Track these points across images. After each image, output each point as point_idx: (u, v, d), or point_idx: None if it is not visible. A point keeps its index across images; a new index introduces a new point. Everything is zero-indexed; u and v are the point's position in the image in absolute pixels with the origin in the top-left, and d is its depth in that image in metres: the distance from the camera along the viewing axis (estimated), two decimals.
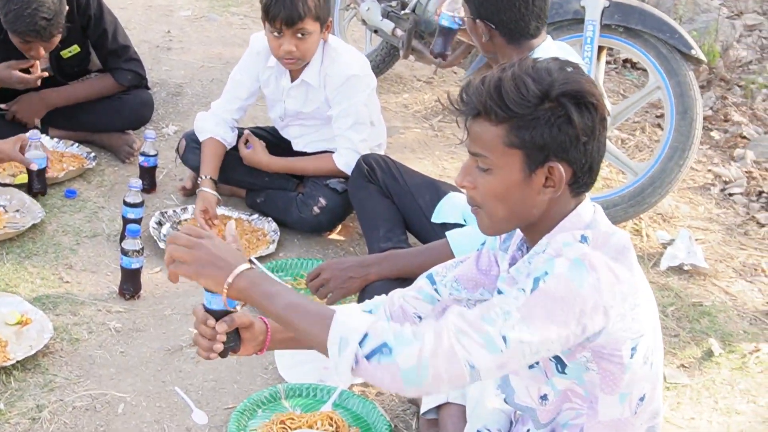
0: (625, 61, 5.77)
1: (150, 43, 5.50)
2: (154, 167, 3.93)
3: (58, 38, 3.84)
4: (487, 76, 1.81)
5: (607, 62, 5.67)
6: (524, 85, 1.76)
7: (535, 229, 1.87)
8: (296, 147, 3.86)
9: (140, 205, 3.41)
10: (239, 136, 3.81)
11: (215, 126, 3.76)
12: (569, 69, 1.80)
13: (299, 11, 3.42)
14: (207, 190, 3.63)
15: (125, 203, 3.41)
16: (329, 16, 3.59)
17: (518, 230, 1.95)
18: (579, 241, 1.79)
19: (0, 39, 3.90)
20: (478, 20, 2.85)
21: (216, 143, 3.73)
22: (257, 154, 3.76)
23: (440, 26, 3.91)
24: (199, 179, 3.68)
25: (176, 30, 5.85)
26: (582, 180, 1.82)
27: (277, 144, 3.87)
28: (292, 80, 3.67)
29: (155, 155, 3.90)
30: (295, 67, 3.59)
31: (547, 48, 2.87)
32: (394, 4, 4.70)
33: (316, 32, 3.50)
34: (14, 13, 3.68)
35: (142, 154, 3.89)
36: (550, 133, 1.76)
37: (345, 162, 3.65)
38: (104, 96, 4.21)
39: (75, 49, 4.14)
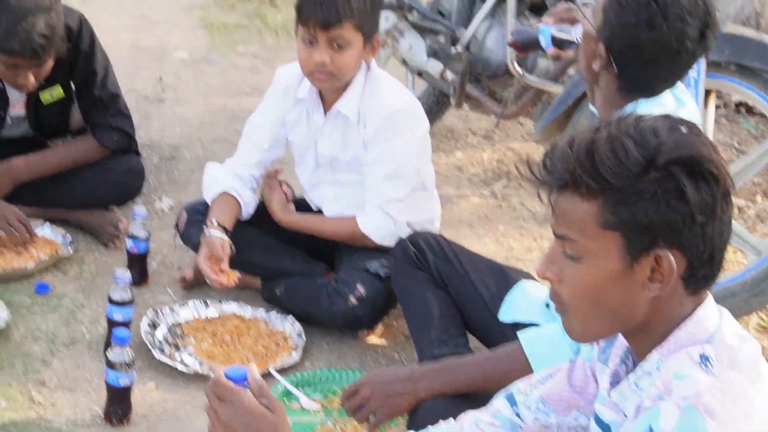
0: (739, 105, 5.78)
1: (138, 94, 5.60)
2: (146, 253, 3.98)
3: (50, 64, 3.93)
4: (576, 138, 1.79)
5: (717, 107, 5.67)
6: (624, 150, 1.74)
7: (642, 338, 1.84)
8: (328, 214, 3.89)
9: (129, 303, 3.45)
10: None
11: (231, 180, 3.80)
12: (682, 129, 1.78)
13: (338, 12, 3.48)
14: (215, 233, 3.65)
15: (110, 301, 3.45)
16: (376, 32, 3.65)
17: (620, 336, 1.93)
18: (698, 364, 1.75)
19: None
20: (602, 44, 2.86)
21: (230, 200, 3.77)
22: (273, 202, 3.82)
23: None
24: (205, 227, 3.69)
25: (170, 76, 5.95)
26: (700, 273, 1.79)
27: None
28: (326, 112, 3.73)
29: (146, 238, 3.95)
30: (328, 86, 3.64)
31: (657, 98, 2.89)
32: (442, 40, 4.77)
33: (356, 45, 3.56)
34: (5, 26, 3.76)
35: (130, 236, 3.94)
36: (656, 211, 1.73)
37: (372, 225, 3.68)
38: (83, 164, 4.28)
39: (58, 92, 4.23)
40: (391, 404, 2.86)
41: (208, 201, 3.81)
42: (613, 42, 2.83)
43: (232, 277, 3.60)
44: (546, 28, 3.76)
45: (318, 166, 3.84)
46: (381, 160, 3.65)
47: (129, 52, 6.26)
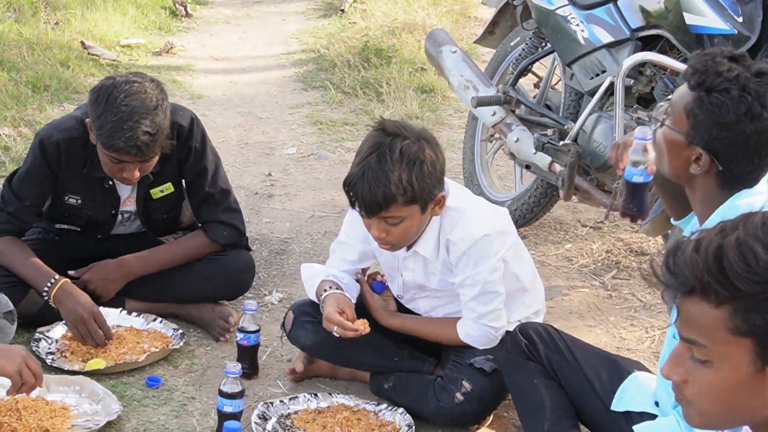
0: None
1: (247, 190, 5.74)
2: (256, 346, 4.04)
3: (155, 160, 4.06)
4: (702, 242, 1.76)
5: None
6: (753, 255, 1.71)
7: None
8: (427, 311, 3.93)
9: (240, 395, 3.51)
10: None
11: (328, 270, 3.88)
12: None
13: (378, 200, 3.43)
14: (335, 291, 3.73)
15: (221, 393, 3.51)
16: (438, 190, 3.55)
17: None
18: None
19: (84, 162, 4.14)
20: (697, 147, 2.86)
21: (332, 282, 3.83)
22: (374, 310, 3.87)
23: (627, 182, 3.79)
24: (324, 291, 3.76)
25: (279, 172, 6.09)
26: None
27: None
28: (408, 249, 3.75)
29: (257, 331, 4.01)
30: (395, 250, 3.69)
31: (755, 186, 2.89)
32: (550, 133, 4.81)
33: (414, 215, 3.52)
34: (112, 125, 3.87)
35: (241, 330, 4.00)
36: None
37: (467, 333, 3.72)
38: (194, 259, 4.39)
39: (168, 188, 4.35)
40: None
41: (312, 296, 3.87)
42: (714, 143, 2.81)
43: (365, 324, 3.67)
44: (630, 170, 3.67)
45: (406, 290, 3.90)
46: (468, 284, 3.67)
47: (238, 149, 6.44)
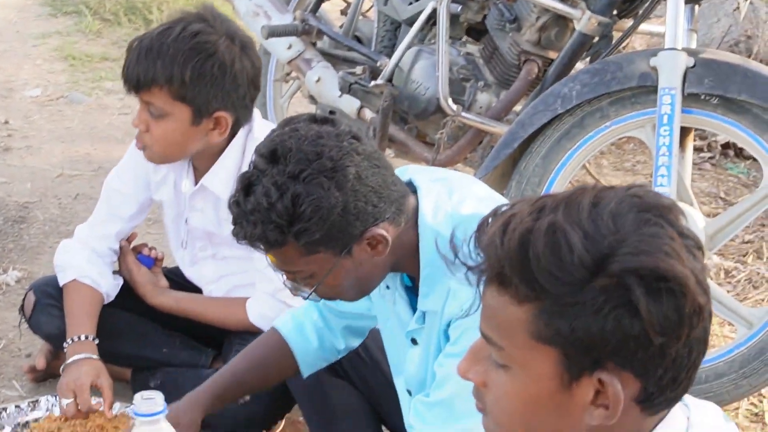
0: (727, 147, 5.89)
1: None
2: None
3: None
4: (513, 219, 1.72)
5: (698, 150, 5.77)
6: (567, 246, 1.67)
7: None
8: (207, 292, 3.90)
9: None
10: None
11: (87, 263, 3.80)
12: (653, 226, 1.70)
13: (138, 72, 3.46)
14: (83, 356, 3.60)
15: None
16: (222, 107, 3.53)
17: None
18: None
19: None
20: None
21: (87, 290, 3.77)
22: (139, 284, 3.84)
23: None
24: (66, 344, 3.67)
25: (18, 119, 5.98)
26: (659, 397, 1.75)
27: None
28: (196, 182, 3.74)
29: None
30: (149, 158, 3.65)
31: None
32: (359, 71, 4.80)
33: (178, 119, 3.51)
34: None
35: None
36: (601, 328, 1.67)
37: (260, 312, 3.70)
38: None
39: None
40: None
41: (61, 285, 3.80)
42: None
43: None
44: None
45: (189, 239, 3.86)
46: None
47: None
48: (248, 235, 2.63)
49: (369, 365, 3.41)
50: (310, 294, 2.77)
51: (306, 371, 3.26)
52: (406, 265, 2.78)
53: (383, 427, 3.44)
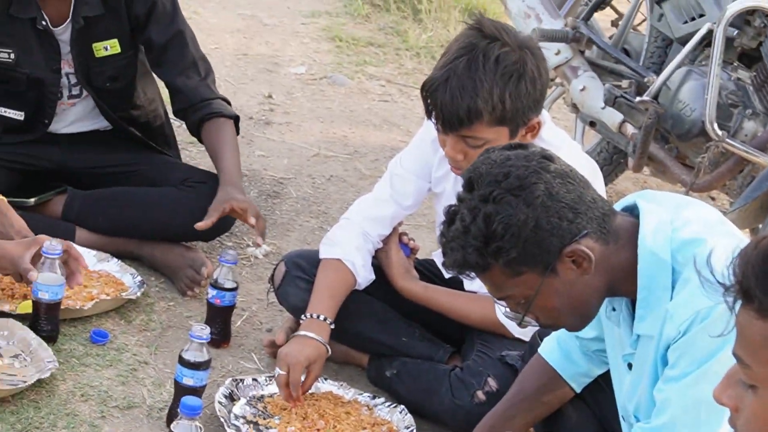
0: None
1: (240, 112, 5.68)
2: (231, 307, 4.04)
3: None
4: (765, 239, 1.77)
5: None
6: None
7: None
8: (467, 287, 3.89)
9: (205, 366, 3.50)
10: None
11: (355, 249, 3.85)
12: None
13: (460, 114, 3.44)
14: (312, 335, 3.66)
15: (182, 362, 3.50)
16: (534, 114, 3.54)
17: None
18: None
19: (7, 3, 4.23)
20: None
21: (345, 273, 3.83)
22: (392, 266, 3.88)
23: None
24: (304, 317, 3.73)
25: (281, 95, 6.08)
26: None
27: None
28: None
29: (234, 289, 4.00)
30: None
31: None
32: (625, 85, 4.78)
33: (499, 140, 3.47)
34: None
35: (214, 285, 3.98)
36: None
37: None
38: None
39: (114, 46, 4.39)
40: None
41: (321, 258, 3.87)
42: None
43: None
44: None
45: None
46: None
47: (233, 59, 6.42)
48: (454, 263, 2.73)
49: (605, 390, 3.39)
50: (524, 317, 2.81)
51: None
52: (624, 288, 2.79)
53: None
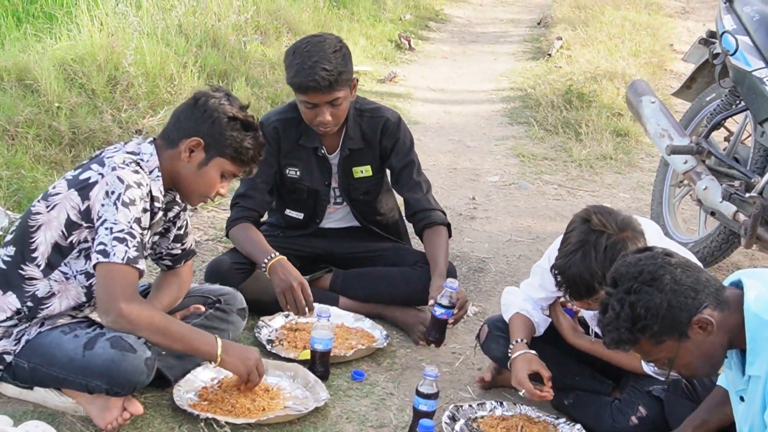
0: None
1: (452, 210, 5.77)
2: (446, 321, 4.00)
3: (340, 95, 4.18)
4: None
5: None
6: None
7: None
8: None
9: (435, 396, 3.52)
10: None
11: (523, 302, 3.87)
12: None
13: (581, 292, 3.43)
14: (526, 352, 3.70)
15: (418, 393, 3.52)
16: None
17: None
18: None
19: (298, 136, 4.38)
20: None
21: (524, 319, 3.84)
22: (563, 327, 3.84)
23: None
24: (511, 345, 3.76)
25: (482, 197, 6.11)
26: None
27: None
28: None
29: (451, 307, 3.97)
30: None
31: None
32: (737, 184, 4.70)
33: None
34: (296, 67, 4.14)
35: (439, 305, 3.96)
36: None
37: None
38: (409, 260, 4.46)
39: (368, 170, 4.47)
40: None
41: (506, 320, 3.89)
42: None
43: (550, 392, 3.65)
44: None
45: None
46: None
47: (446, 173, 6.48)
48: (611, 341, 2.82)
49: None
50: (669, 373, 2.89)
51: None
52: (737, 342, 2.82)
53: None
